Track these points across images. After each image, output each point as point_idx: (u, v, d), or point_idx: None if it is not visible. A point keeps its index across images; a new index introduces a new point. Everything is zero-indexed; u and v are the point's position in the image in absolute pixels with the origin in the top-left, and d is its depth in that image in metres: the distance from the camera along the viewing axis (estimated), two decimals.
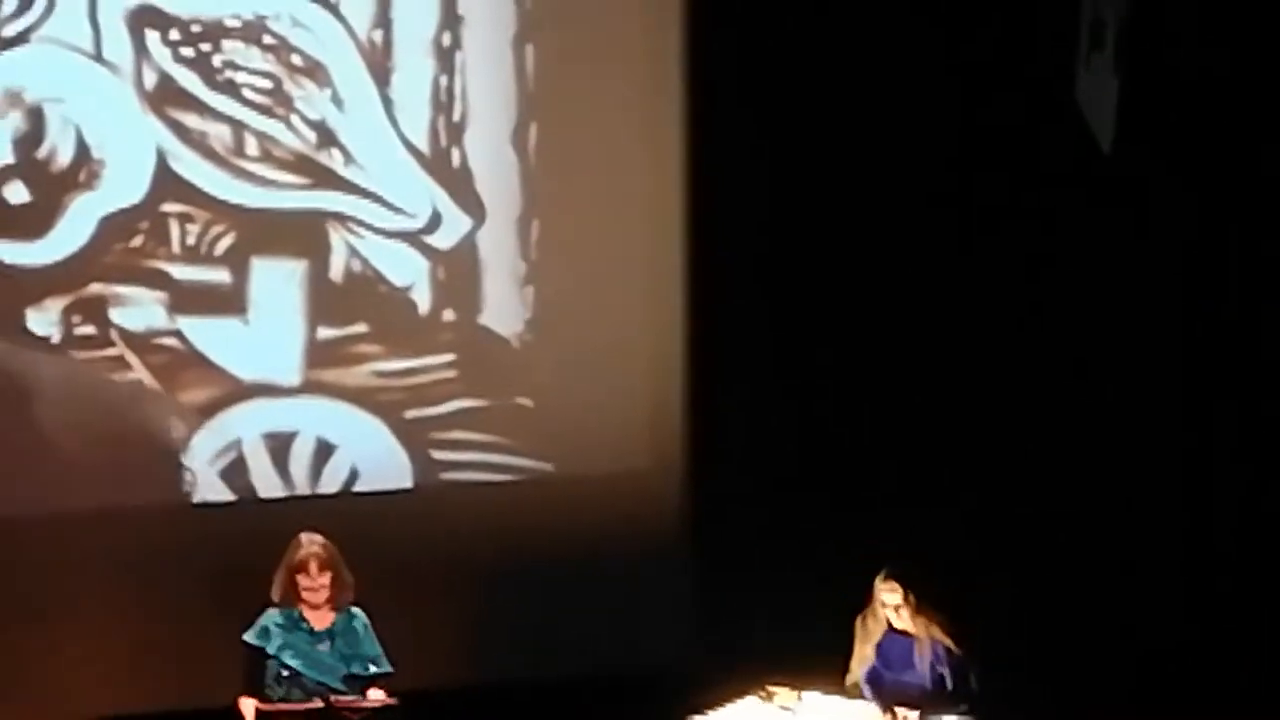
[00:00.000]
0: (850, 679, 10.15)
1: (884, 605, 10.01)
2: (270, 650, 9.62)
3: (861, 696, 10.06)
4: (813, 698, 10.05)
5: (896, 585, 9.99)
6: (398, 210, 11.30)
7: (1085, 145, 10.32)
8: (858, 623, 10.13)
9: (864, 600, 10.13)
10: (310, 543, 9.61)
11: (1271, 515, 11.31)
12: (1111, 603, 11.54)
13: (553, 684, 11.17)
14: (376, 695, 9.57)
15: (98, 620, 10.94)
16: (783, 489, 11.45)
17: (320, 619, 9.65)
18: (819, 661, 10.14)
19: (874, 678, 10.09)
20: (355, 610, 9.68)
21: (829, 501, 11.31)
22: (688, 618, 11.57)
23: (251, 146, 11.12)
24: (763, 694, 10.09)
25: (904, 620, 10.01)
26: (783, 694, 10.08)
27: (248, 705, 9.55)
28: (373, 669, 9.70)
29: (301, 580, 9.54)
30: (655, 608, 11.55)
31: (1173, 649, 11.44)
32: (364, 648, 9.69)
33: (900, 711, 9.96)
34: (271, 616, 9.63)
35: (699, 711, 9.97)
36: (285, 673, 9.64)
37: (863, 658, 10.10)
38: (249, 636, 9.59)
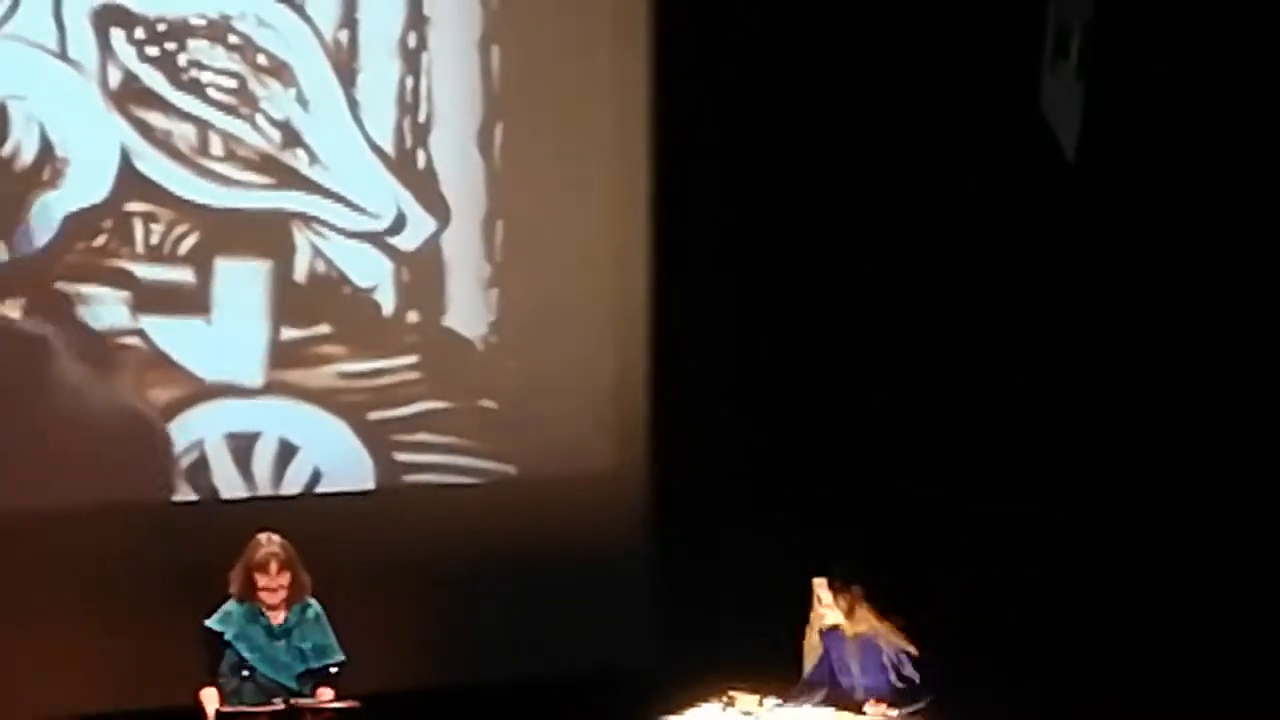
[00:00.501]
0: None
1: (818, 602, 10.10)
2: (227, 636, 9.68)
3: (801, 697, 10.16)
4: (773, 704, 10.06)
5: (830, 590, 10.08)
6: (362, 211, 11.34)
7: (1050, 151, 10.35)
8: (806, 630, 10.21)
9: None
10: (269, 542, 9.67)
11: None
12: (1060, 596, 11.64)
13: (513, 686, 11.20)
14: (327, 694, 9.57)
15: (57, 618, 10.95)
16: (745, 492, 11.51)
17: (275, 616, 9.73)
18: (780, 666, 10.17)
19: (814, 679, 10.14)
20: (311, 600, 9.75)
21: (792, 506, 11.34)
22: (649, 621, 11.65)
23: (216, 146, 11.13)
24: (725, 699, 10.09)
25: (834, 618, 10.06)
26: (744, 699, 10.08)
27: (209, 695, 9.57)
28: (326, 660, 9.71)
29: (260, 579, 9.61)
30: (617, 611, 11.59)
31: (1118, 641, 11.51)
32: (316, 637, 9.75)
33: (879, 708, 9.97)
34: (235, 607, 9.73)
35: (660, 715, 9.97)
36: (244, 671, 9.66)
37: (812, 648, 10.19)
38: (211, 622, 9.65)
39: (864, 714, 9.97)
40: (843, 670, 10.13)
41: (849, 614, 10.02)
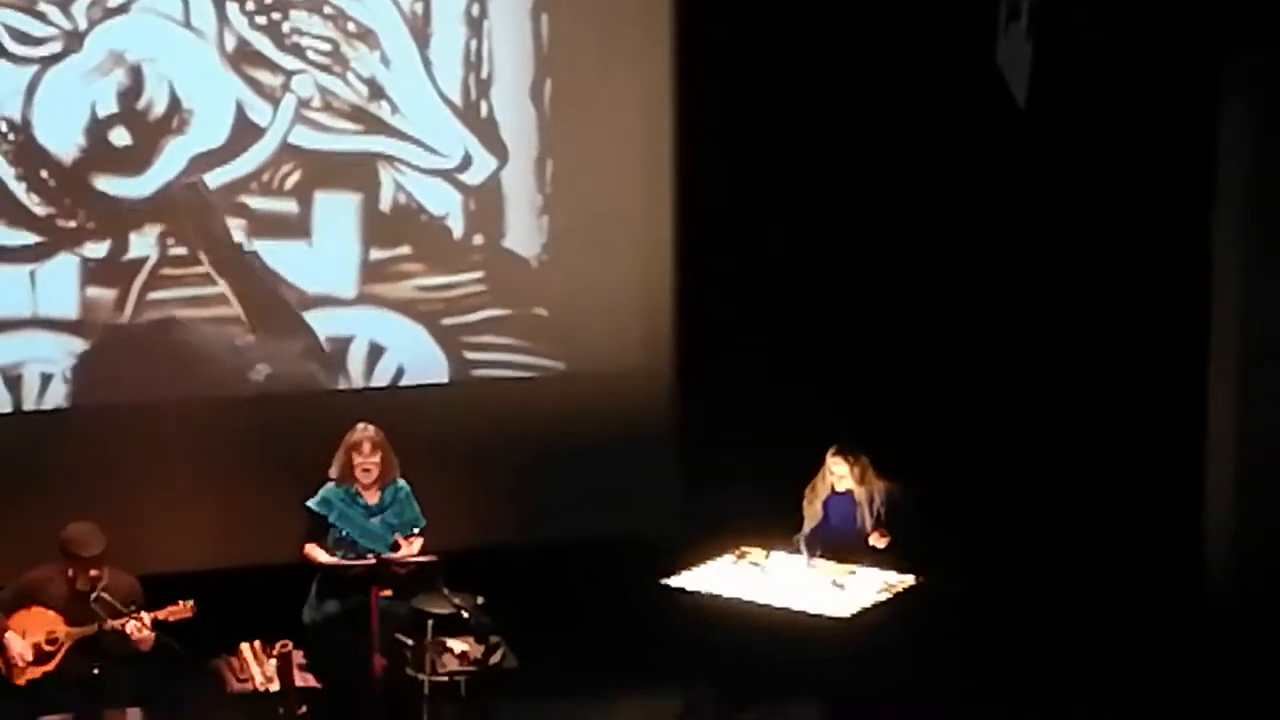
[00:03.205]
0: (799, 535, 10.31)
1: (831, 474, 10.23)
2: (331, 519, 9.88)
3: (798, 549, 10.27)
4: (779, 556, 10.31)
5: (842, 457, 10.21)
6: (435, 152, 11.38)
7: (1005, 96, 10.25)
8: (808, 489, 10.33)
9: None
10: (365, 428, 9.93)
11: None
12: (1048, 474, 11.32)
13: (562, 544, 11.31)
14: (415, 545, 9.78)
15: (183, 488, 11.08)
16: (752, 384, 11.47)
17: (371, 496, 9.91)
18: (783, 530, 10.35)
19: (814, 533, 10.26)
20: (400, 481, 9.95)
21: (792, 396, 11.31)
22: (675, 490, 11.70)
23: (315, 99, 11.20)
24: (737, 554, 10.38)
25: (846, 484, 10.20)
26: (754, 553, 10.36)
27: (315, 550, 9.78)
28: (414, 531, 9.88)
29: (355, 458, 9.83)
30: (648, 482, 11.67)
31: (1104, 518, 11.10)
32: (406, 513, 9.94)
33: (847, 565, 10.08)
34: (331, 490, 9.90)
35: (685, 568, 10.26)
36: (343, 537, 9.82)
37: (813, 515, 10.30)
38: (312, 504, 9.85)
39: (851, 563, 10.08)
40: (849, 523, 10.22)
41: (860, 480, 10.18)
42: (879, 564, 10.12)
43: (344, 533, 9.83)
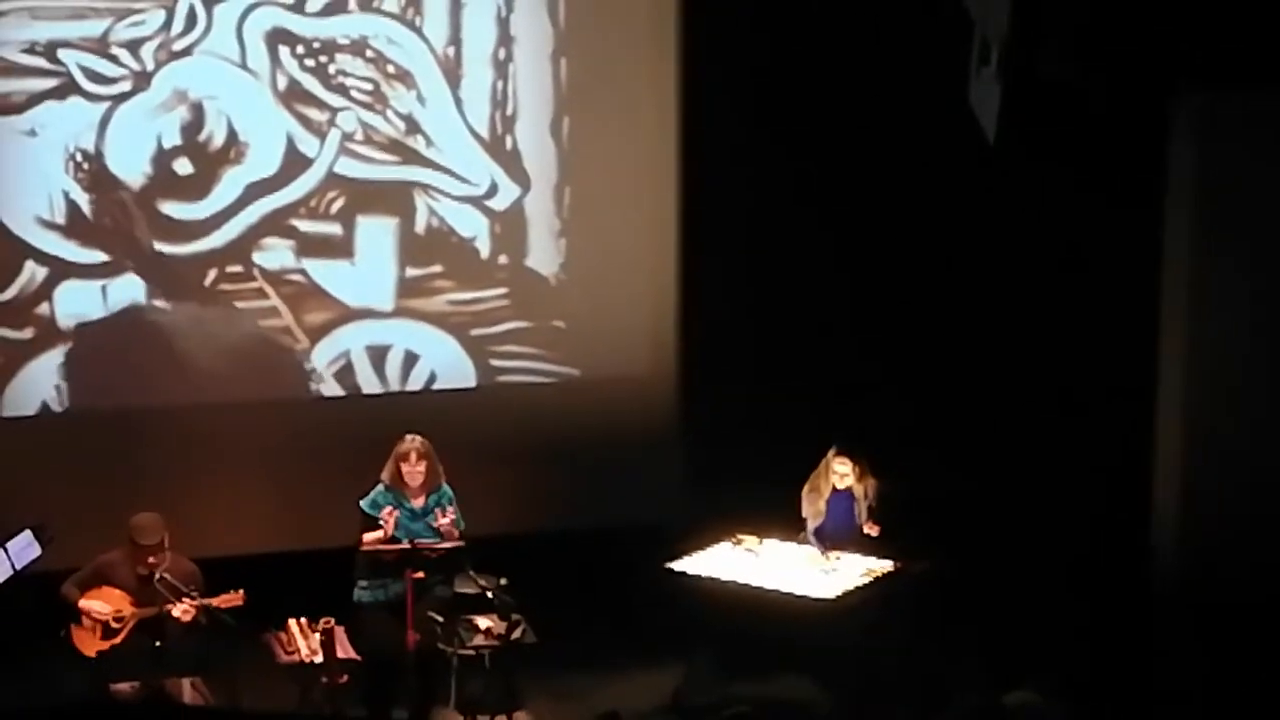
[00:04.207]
0: (805, 532, 10.38)
1: (834, 472, 10.30)
2: (380, 520, 9.96)
3: (808, 543, 10.32)
4: (771, 543, 10.44)
5: (846, 458, 10.29)
6: (465, 181, 11.44)
7: (976, 133, 10.17)
8: (806, 487, 10.40)
9: (813, 470, 10.41)
10: (412, 439, 10.05)
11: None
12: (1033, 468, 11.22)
13: (576, 532, 11.35)
14: (446, 519, 9.88)
15: (243, 480, 11.18)
16: (747, 391, 11.49)
17: (417, 500, 10.01)
18: (776, 518, 10.49)
19: (819, 528, 10.35)
20: (445, 487, 10.07)
21: (785, 396, 11.34)
22: (678, 483, 11.72)
23: (357, 133, 11.24)
24: (734, 540, 10.48)
25: (847, 482, 10.27)
26: (749, 540, 10.47)
27: (370, 536, 9.93)
28: (458, 529, 9.94)
29: (404, 466, 9.97)
30: (654, 476, 11.70)
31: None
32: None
33: (833, 553, 10.18)
34: (381, 493, 10.00)
35: (687, 553, 10.35)
36: (392, 536, 9.87)
37: (817, 513, 10.35)
38: (364, 505, 9.96)
39: (838, 553, 10.15)
40: (848, 517, 10.30)
41: (860, 479, 10.28)
42: (873, 552, 10.16)
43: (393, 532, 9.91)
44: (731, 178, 11.57)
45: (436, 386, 11.56)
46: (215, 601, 9.50)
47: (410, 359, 11.51)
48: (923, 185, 11.40)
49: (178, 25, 10.91)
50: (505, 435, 11.48)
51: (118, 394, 11.06)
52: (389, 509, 9.87)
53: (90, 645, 9.55)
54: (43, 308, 10.93)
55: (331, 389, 11.40)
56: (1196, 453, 10.31)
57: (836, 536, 10.30)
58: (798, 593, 9.84)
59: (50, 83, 10.78)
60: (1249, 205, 10.17)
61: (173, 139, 10.99)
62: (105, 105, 10.89)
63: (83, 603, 9.54)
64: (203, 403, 11.15)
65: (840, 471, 10.27)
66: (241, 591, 9.54)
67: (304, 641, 9.70)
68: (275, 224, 11.22)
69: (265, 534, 10.97)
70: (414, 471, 9.94)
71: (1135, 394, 10.46)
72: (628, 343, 11.77)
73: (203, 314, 11.17)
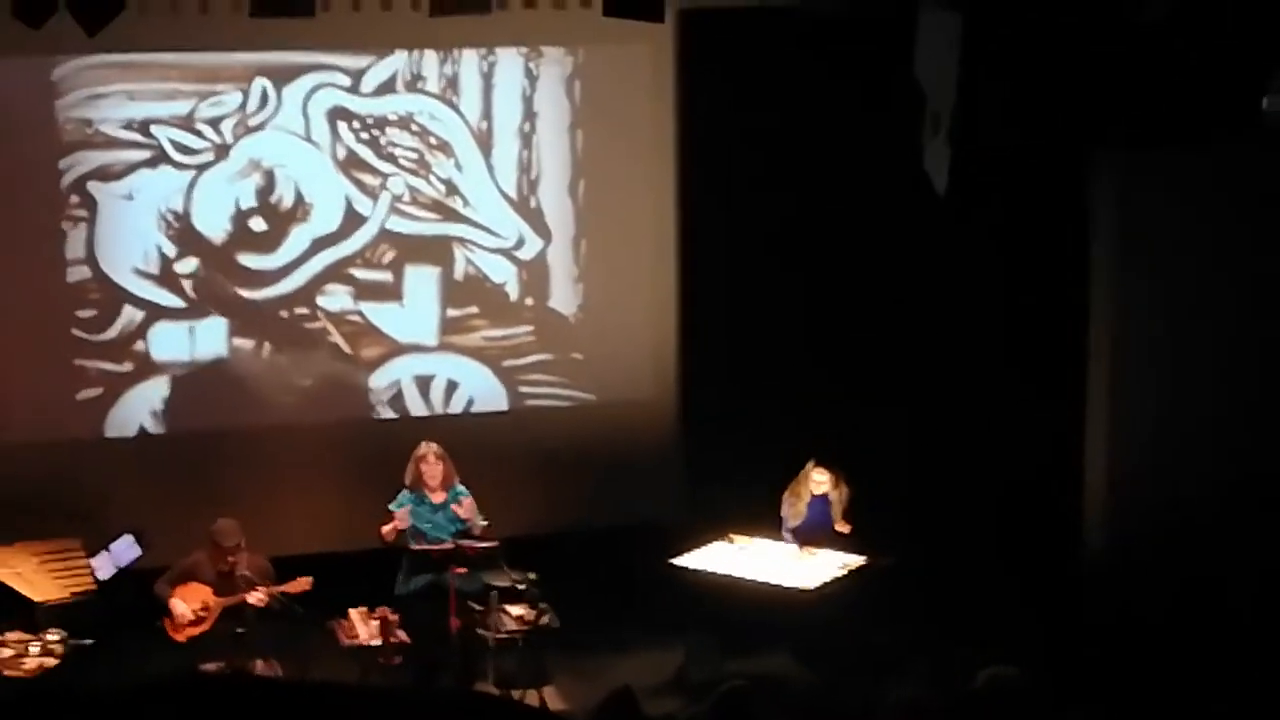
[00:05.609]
0: (785, 530, 10.52)
1: (813, 481, 10.46)
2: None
3: (787, 541, 10.51)
4: (760, 542, 10.58)
5: (824, 469, 10.47)
6: (497, 235, 11.67)
7: (928, 189, 10.06)
8: (787, 492, 10.56)
9: (793, 478, 10.56)
10: (428, 444, 10.26)
11: None
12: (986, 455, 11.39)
13: (592, 532, 11.54)
14: (464, 509, 10.05)
15: (306, 488, 11.37)
16: (738, 412, 11.59)
17: (436, 497, 10.18)
18: (765, 519, 10.64)
19: (799, 528, 10.49)
20: (460, 486, 10.24)
21: (770, 415, 11.37)
22: (678, 490, 11.89)
23: (404, 195, 11.47)
24: (727, 540, 10.64)
25: (824, 489, 10.42)
26: (740, 539, 10.62)
27: (386, 528, 10.04)
28: (480, 522, 10.06)
29: (422, 467, 10.15)
30: (658, 485, 11.89)
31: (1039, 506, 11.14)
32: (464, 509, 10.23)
33: (808, 549, 10.34)
34: (405, 495, 10.19)
35: (684, 551, 10.48)
36: (416, 529, 10.07)
37: (797, 514, 10.47)
38: (392, 506, 10.17)
39: (816, 549, 10.24)
40: (824, 519, 10.39)
41: (834, 486, 10.41)
42: (844, 548, 10.30)
43: (418, 527, 10.06)
44: (722, 231, 11.72)
45: (474, 410, 11.72)
46: (286, 587, 9.72)
47: (451, 386, 11.69)
48: (885, 231, 11.59)
49: (252, 104, 11.16)
50: (532, 450, 11.68)
51: (203, 418, 11.28)
52: (405, 509, 10.02)
53: (181, 633, 9.87)
54: (139, 345, 11.17)
55: (385, 413, 11.57)
56: (1119, 448, 10.53)
57: (815, 535, 10.44)
58: (784, 584, 9.97)
59: (144, 154, 11.03)
60: (1161, 238, 10.45)
61: (249, 201, 11.23)
62: (191, 173, 11.13)
63: (170, 602, 9.82)
64: (275, 424, 11.37)
65: (818, 480, 10.45)
66: (310, 578, 9.77)
67: (363, 628, 9.88)
68: (336, 272, 11.45)
69: (329, 535, 11.09)
70: (432, 471, 10.08)
71: (1068, 397, 10.67)
72: (635, 371, 11.89)
73: (275, 349, 11.34)
